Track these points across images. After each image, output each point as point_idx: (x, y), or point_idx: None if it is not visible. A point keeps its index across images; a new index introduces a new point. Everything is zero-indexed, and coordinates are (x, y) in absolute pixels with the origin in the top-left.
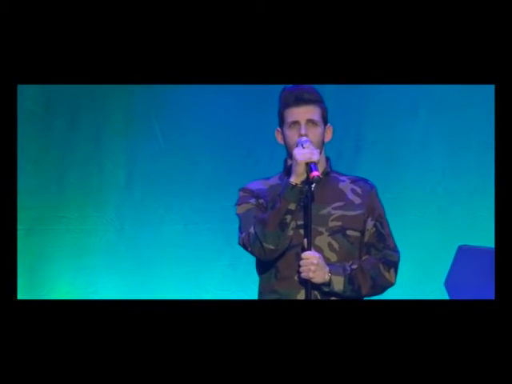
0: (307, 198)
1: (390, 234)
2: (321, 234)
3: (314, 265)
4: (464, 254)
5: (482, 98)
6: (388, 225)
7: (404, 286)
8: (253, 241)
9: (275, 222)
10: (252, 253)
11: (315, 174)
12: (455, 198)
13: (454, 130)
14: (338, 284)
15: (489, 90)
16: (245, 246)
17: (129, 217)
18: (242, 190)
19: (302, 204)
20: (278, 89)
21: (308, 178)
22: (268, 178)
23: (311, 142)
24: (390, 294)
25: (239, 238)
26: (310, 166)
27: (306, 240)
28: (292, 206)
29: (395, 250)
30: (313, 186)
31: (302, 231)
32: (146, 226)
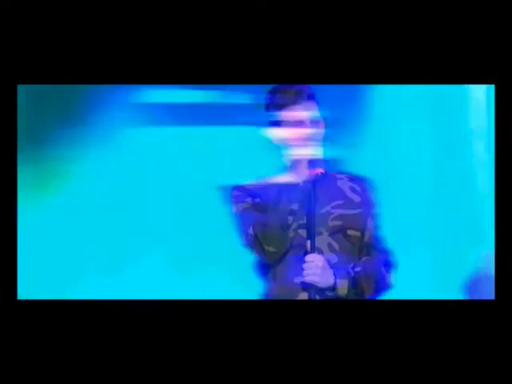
0: (309, 197)
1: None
2: (320, 234)
3: (319, 268)
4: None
5: (485, 97)
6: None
7: (415, 289)
8: (252, 243)
9: (277, 224)
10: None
11: (318, 170)
12: (463, 198)
13: (459, 129)
14: (343, 288)
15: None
16: (244, 247)
17: (122, 217)
18: (236, 188)
19: (303, 204)
20: None
21: (310, 176)
22: (262, 177)
23: (316, 138)
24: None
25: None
26: (312, 164)
27: (309, 242)
28: (294, 206)
29: (392, 251)
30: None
31: (301, 232)
32: (140, 227)
